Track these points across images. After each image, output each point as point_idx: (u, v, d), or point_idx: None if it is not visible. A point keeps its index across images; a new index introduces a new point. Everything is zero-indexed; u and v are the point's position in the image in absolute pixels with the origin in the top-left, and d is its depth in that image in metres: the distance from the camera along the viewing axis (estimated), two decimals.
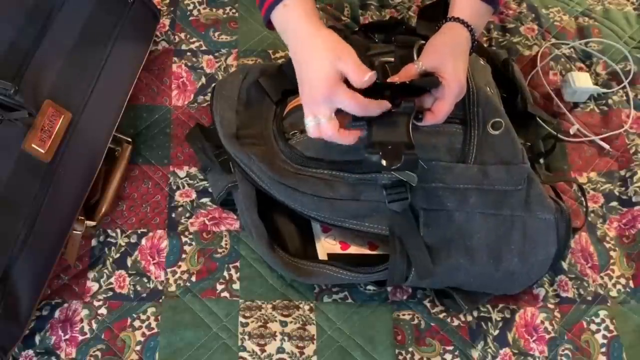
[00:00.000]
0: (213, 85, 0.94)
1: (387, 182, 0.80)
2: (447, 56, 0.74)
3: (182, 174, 0.93)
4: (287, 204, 0.83)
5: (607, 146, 1.00)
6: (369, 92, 0.71)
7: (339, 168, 0.81)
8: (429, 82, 0.74)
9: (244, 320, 0.83)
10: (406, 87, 0.73)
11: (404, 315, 0.85)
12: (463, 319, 0.86)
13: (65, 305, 0.83)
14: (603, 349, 0.86)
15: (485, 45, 1.06)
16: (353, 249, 0.86)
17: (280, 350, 0.82)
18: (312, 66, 0.71)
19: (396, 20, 1.02)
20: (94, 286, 0.84)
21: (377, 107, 0.71)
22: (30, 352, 0.80)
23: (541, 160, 0.91)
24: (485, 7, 0.80)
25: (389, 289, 0.87)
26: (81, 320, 0.82)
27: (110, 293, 0.84)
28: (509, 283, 0.83)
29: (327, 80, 0.70)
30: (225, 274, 0.86)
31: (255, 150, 0.84)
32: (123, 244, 0.87)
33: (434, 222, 0.80)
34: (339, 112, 0.71)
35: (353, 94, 0.69)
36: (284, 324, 0.83)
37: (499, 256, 0.80)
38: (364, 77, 0.69)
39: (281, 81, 0.92)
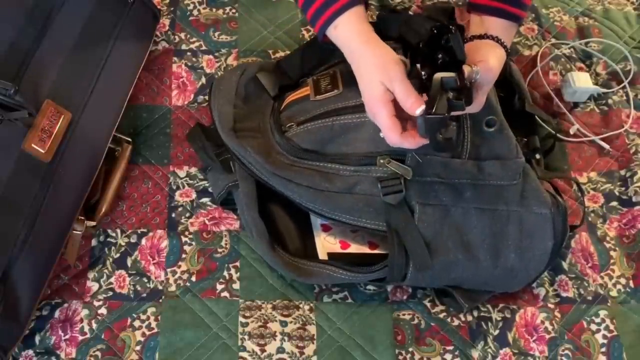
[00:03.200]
0: (211, 83, 0.94)
1: (381, 174, 0.80)
2: (493, 80, 0.75)
3: (182, 174, 0.93)
4: (286, 195, 0.83)
5: (607, 146, 1.00)
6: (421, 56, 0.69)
7: (334, 160, 0.82)
8: (469, 100, 0.71)
9: (244, 320, 0.83)
10: (462, 84, 0.69)
11: (404, 315, 0.85)
12: (463, 318, 0.86)
13: (65, 305, 0.83)
14: (603, 349, 0.86)
15: None
16: (353, 248, 0.86)
17: (280, 350, 0.82)
18: (363, 83, 0.73)
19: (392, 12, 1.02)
20: (94, 286, 0.84)
21: (412, 143, 0.71)
22: (30, 352, 0.80)
23: (537, 156, 0.91)
24: (513, 26, 0.79)
25: (388, 288, 0.87)
26: (81, 320, 0.82)
27: (110, 293, 0.84)
28: (508, 279, 0.83)
29: (373, 100, 0.72)
30: (225, 273, 0.86)
31: (252, 142, 0.85)
32: (123, 244, 0.87)
33: (430, 217, 0.80)
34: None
35: (392, 124, 0.70)
36: (284, 324, 0.83)
37: (497, 251, 0.81)
38: (412, 105, 0.69)
39: (279, 77, 0.92)
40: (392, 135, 0.71)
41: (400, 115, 0.71)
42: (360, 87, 0.74)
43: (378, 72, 0.71)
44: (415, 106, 0.68)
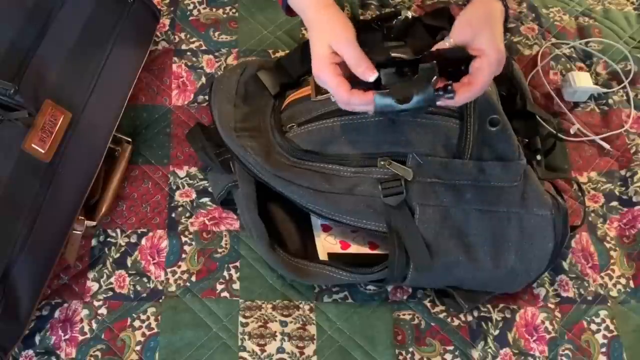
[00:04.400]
0: (211, 82, 0.94)
1: (382, 176, 0.80)
2: (481, 27, 0.72)
3: (182, 173, 0.93)
4: (286, 195, 0.83)
5: (607, 146, 1.00)
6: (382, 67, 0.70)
7: (335, 161, 0.82)
8: (456, 50, 0.70)
9: (244, 320, 0.83)
10: (434, 58, 0.70)
11: (404, 315, 0.85)
12: (463, 318, 0.86)
13: (65, 305, 0.83)
14: (603, 349, 0.86)
15: None
16: (353, 248, 0.86)
17: (280, 350, 0.82)
18: (312, 44, 0.74)
19: (390, 15, 1.02)
20: (94, 286, 0.84)
21: (360, 102, 0.70)
22: (30, 352, 0.80)
23: (538, 157, 0.91)
24: None
25: (389, 288, 0.87)
26: (81, 320, 0.82)
27: (110, 293, 0.84)
28: (509, 280, 0.83)
29: (318, 59, 0.72)
30: (225, 273, 0.86)
31: (252, 143, 0.85)
32: (123, 244, 0.87)
33: (431, 218, 0.80)
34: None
35: (338, 83, 0.70)
36: (284, 324, 0.83)
37: (497, 253, 0.81)
38: (365, 72, 0.70)
39: (279, 75, 0.92)
40: (341, 92, 0.71)
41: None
42: (311, 51, 0.74)
43: (327, 35, 0.72)
44: (367, 72, 0.69)
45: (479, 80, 0.71)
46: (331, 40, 0.71)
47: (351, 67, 0.71)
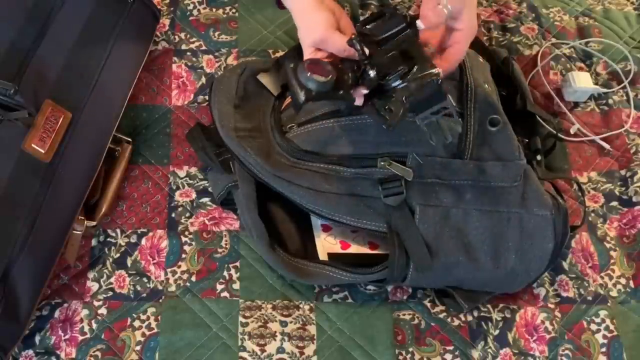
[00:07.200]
0: (211, 82, 0.94)
1: (382, 176, 0.80)
2: (466, 2, 0.74)
3: (182, 173, 0.93)
4: (286, 196, 0.83)
5: (607, 146, 1.00)
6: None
7: (335, 162, 0.82)
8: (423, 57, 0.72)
9: (244, 320, 0.83)
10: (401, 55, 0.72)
11: (404, 315, 0.85)
12: (463, 318, 0.86)
13: (65, 305, 0.83)
14: (603, 349, 0.86)
15: (485, 44, 1.06)
16: (353, 248, 0.86)
17: (280, 350, 0.82)
18: (301, 41, 0.76)
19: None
20: (94, 286, 0.84)
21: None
22: (30, 352, 0.80)
23: (538, 157, 0.91)
24: None
25: (389, 288, 0.87)
26: (81, 320, 0.82)
27: (110, 293, 0.84)
28: (508, 280, 0.83)
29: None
30: (225, 273, 0.86)
31: (252, 143, 0.85)
32: (123, 244, 0.87)
33: (431, 219, 0.80)
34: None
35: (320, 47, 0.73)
36: (284, 324, 0.83)
37: (497, 253, 0.81)
38: (349, 52, 0.72)
39: (279, 75, 0.92)
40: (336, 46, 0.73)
41: None
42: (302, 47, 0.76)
43: (309, 33, 0.74)
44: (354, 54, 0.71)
45: (457, 52, 0.76)
46: (314, 39, 0.73)
47: (339, 54, 0.73)
